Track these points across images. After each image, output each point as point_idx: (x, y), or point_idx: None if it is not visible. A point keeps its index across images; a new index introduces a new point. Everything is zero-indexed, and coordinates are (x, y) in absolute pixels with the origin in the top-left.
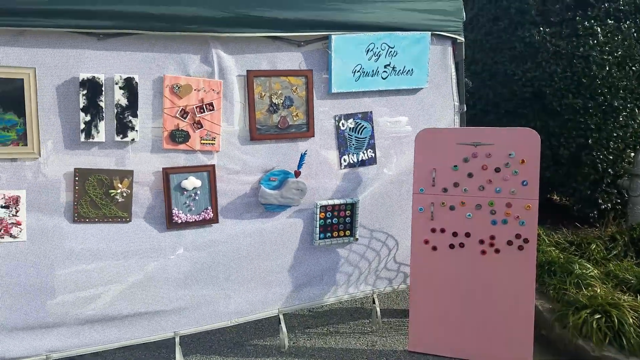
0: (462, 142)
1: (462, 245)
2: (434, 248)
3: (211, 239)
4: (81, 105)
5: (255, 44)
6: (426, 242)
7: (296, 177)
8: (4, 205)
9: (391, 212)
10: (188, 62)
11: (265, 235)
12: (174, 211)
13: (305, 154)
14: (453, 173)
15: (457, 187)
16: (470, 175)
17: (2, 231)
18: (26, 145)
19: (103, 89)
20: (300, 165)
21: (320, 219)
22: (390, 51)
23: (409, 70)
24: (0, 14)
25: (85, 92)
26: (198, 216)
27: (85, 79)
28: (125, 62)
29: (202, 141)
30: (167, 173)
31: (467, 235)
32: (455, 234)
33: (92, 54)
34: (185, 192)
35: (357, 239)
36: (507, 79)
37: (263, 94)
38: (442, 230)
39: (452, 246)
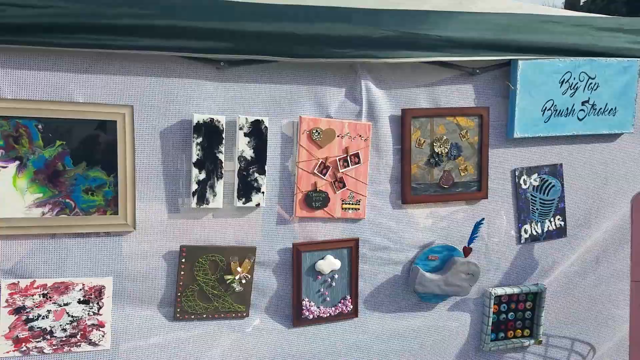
0: None
1: None
2: None
3: (350, 341)
4: (194, 159)
5: (412, 73)
6: None
7: (465, 256)
8: (83, 299)
9: (583, 303)
10: (329, 98)
11: (420, 336)
12: (304, 302)
13: (481, 223)
14: None
15: None
16: None
17: (78, 336)
18: (116, 213)
19: (224, 135)
20: (472, 240)
21: (492, 313)
22: (590, 83)
23: (611, 109)
24: (82, 30)
25: (200, 140)
26: (334, 309)
27: (201, 122)
28: (250, 100)
29: (344, 205)
30: (298, 250)
31: None
32: None
33: (208, 88)
34: (319, 277)
35: (540, 342)
36: None
37: (422, 140)
38: None
39: None
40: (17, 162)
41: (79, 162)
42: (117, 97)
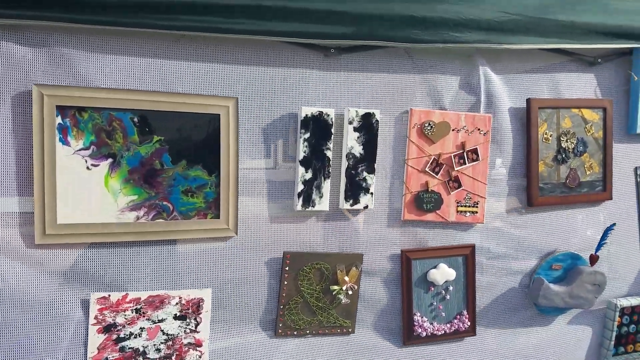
0: None
1: None
2: None
3: None
4: (300, 156)
5: (532, 62)
6: None
7: (591, 265)
8: (179, 314)
9: None
10: (443, 88)
11: (540, 353)
12: (415, 317)
13: (611, 228)
14: None
15: None
16: None
17: (173, 358)
18: (218, 217)
19: (332, 130)
20: (599, 247)
21: (616, 326)
22: None
23: None
24: (180, 10)
25: (307, 135)
26: (449, 325)
27: (309, 115)
28: (358, 90)
29: (460, 208)
30: (408, 258)
31: None
32: None
33: (315, 77)
34: (432, 288)
35: None
36: None
37: (548, 134)
38: None
39: None
40: (110, 160)
41: (178, 161)
42: (220, 88)
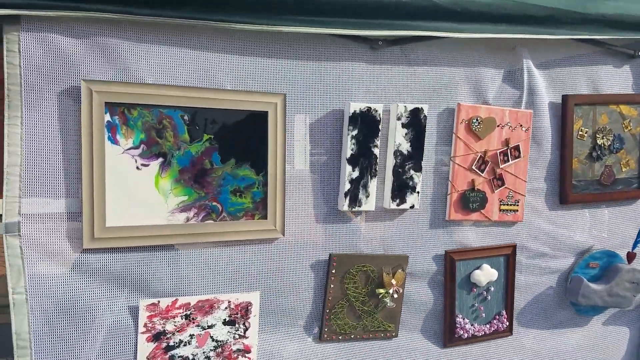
0: None
1: None
2: None
3: None
4: (347, 154)
5: (567, 53)
6: None
7: (629, 263)
8: (228, 319)
9: None
10: (488, 82)
11: (578, 354)
12: (457, 319)
13: None
14: None
15: None
16: None
17: None
18: (265, 218)
19: (380, 127)
20: (636, 244)
21: None
22: None
23: None
24: (225, 4)
25: (355, 132)
26: (488, 326)
27: (357, 111)
28: (405, 85)
29: (502, 206)
30: (452, 259)
31: None
32: None
33: (361, 71)
34: (474, 289)
35: None
36: None
37: (584, 131)
38: None
39: None
40: (161, 160)
41: (227, 159)
42: (266, 84)
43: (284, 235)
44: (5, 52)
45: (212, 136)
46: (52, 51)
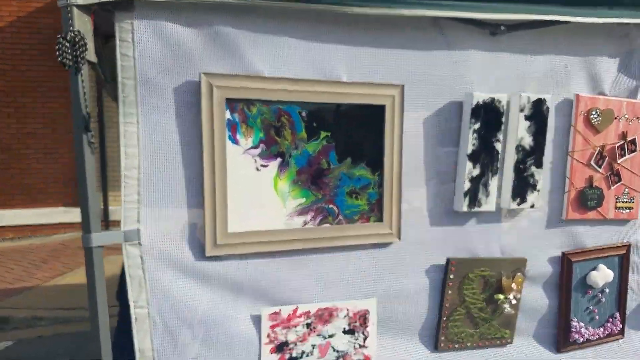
0: None
1: None
2: None
3: None
4: (469, 150)
5: None
6: None
7: None
8: (348, 328)
9: None
10: (604, 72)
11: None
12: (572, 323)
13: None
14: None
15: None
16: None
17: None
18: (381, 220)
19: (503, 119)
20: None
21: None
22: None
23: None
24: None
25: (477, 126)
26: (602, 330)
27: (481, 103)
28: (524, 74)
29: (618, 204)
30: (569, 261)
31: None
32: None
33: (480, 59)
34: (589, 292)
35: None
36: None
37: None
38: None
39: None
40: (279, 160)
41: (344, 158)
42: (382, 75)
43: (399, 239)
44: (117, 42)
45: (329, 133)
46: (168, 41)
